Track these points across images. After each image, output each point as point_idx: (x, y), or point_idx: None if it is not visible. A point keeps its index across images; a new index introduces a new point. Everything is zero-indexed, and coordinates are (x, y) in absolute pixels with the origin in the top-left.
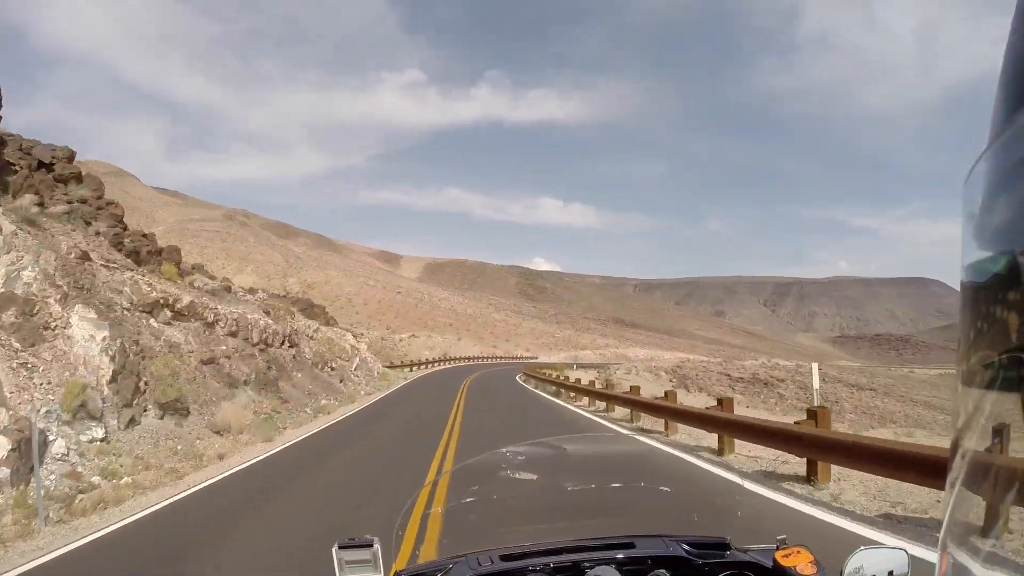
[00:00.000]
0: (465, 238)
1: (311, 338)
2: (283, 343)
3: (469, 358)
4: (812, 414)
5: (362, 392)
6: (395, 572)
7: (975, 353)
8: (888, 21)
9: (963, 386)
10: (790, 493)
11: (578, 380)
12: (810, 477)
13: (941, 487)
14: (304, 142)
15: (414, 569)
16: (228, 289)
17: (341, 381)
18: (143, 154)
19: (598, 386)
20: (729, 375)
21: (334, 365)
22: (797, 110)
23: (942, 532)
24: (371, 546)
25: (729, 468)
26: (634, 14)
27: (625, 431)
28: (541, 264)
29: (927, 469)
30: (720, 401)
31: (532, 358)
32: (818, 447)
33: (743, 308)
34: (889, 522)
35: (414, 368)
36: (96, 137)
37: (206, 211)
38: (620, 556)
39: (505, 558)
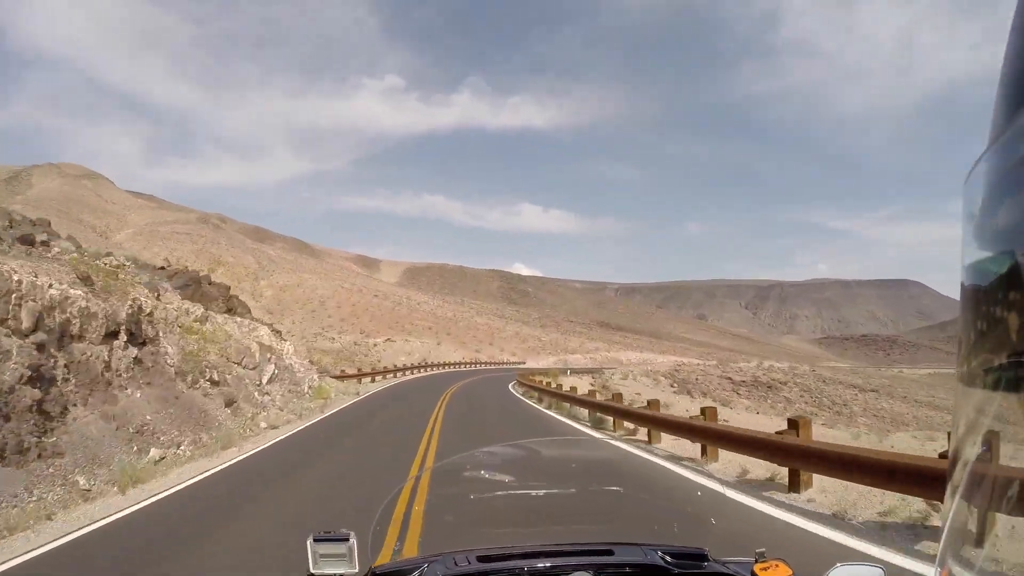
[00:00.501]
0: (445, 244)
1: (188, 331)
2: (117, 335)
3: (451, 364)
4: (793, 423)
5: (262, 424)
6: (372, 568)
7: (975, 355)
8: (866, 26)
9: (963, 387)
10: (772, 501)
11: (574, 388)
12: (792, 485)
13: (923, 495)
14: (284, 147)
15: (391, 566)
16: (29, 240)
17: (229, 405)
18: (121, 158)
19: (600, 398)
20: (731, 379)
21: (222, 377)
22: (775, 114)
23: (941, 546)
24: (347, 540)
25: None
26: (612, 19)
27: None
28: (521, 270)
29: (909, 477)
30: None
31: (519, 363)
32: (800, 456)
33: (724, 311)
34: (873, 531)
35: (385, 376)
36: (72, 140)
37: (180, 215)
38: (598, 563)
39: (483, 559)
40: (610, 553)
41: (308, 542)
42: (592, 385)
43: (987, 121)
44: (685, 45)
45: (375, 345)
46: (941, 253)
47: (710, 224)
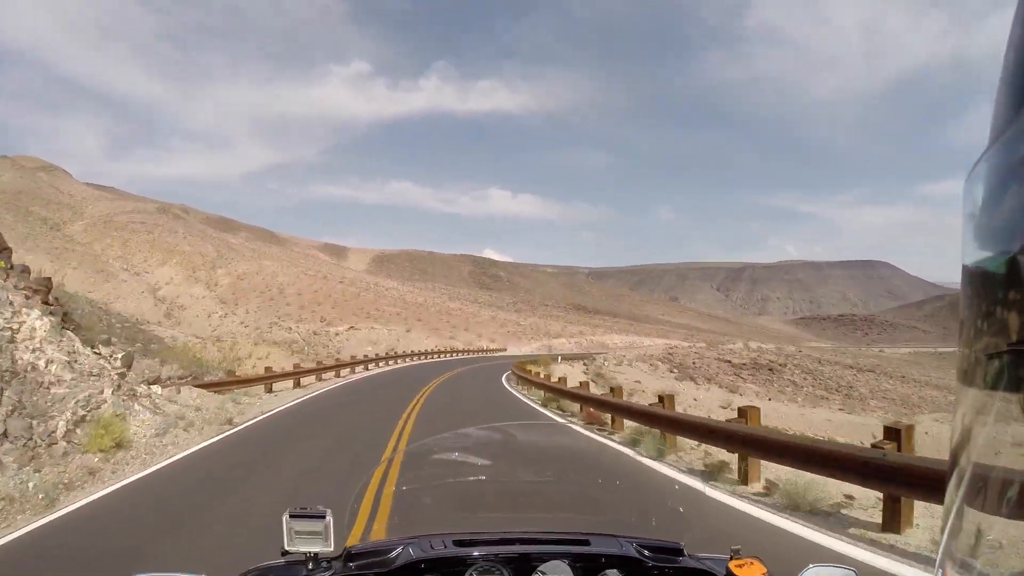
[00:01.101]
0: (415, 231)
1: None
2: None
3: (422, 354)
4: (742, 412)
5: None
6: (346, 548)
7: (976, 354)
8: (833, 14)
9: (963, 387)
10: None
11: (563, 379)
12: (741, 473)
13: (862, 484)
14: (250, 137)
15: (365, 546)
16: None
17: None
18: (83, 152)
19: (597, 390)
20: (730, 362)
21: None
22: (744, 100)
23: (940, 550)
24: (323, 517)
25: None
26: (582, 5)
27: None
28: (492, 255)
29: (853, 466)
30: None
31: (499, 350)
32: (752, 444)
33: (697, 294)
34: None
35: (339, 373)
36: (36, 135)
37: (139, 205)
38: (574, 552)
39: (458, 543)
40: (586, 543)
41: (284, 518)
42: (585, 373)
43: (952, 105)
44: (656, 32)
45: (336, 334)
46: (907, 235)
47: (680, 209)
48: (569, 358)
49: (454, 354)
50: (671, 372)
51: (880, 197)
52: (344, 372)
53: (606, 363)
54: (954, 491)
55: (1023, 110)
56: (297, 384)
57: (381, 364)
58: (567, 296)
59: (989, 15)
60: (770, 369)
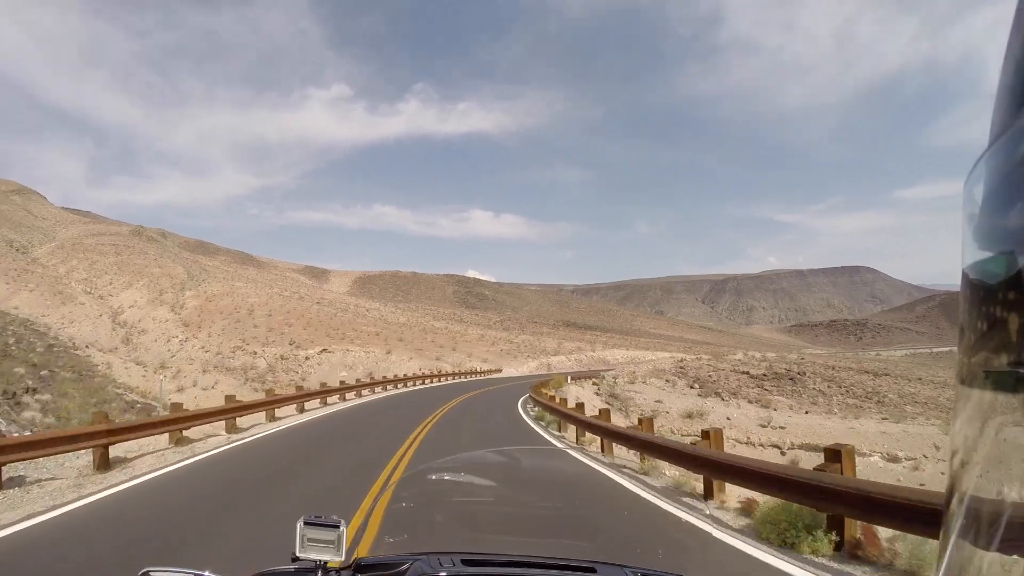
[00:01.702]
0: (398, 254)
1: None
2: None
3: (407, 379)
4: (706, 434)
5: None
6: (357, 559)
7: (976, 355)
8: (806, 22)
9: (963, 388)
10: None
11: (581, 404)
12: (706, 494)
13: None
14: (231, 163)
15: (375, 559)
16: None
17: None
18: (61, 177)
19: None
20: (748, 373)
21: None
22: (719, 112)
23: None
24: (337, 527)
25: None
26: (555, 24)
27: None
28: (476, 276)
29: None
30: None
31: (494, 371)
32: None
33: (683, 307)
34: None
35: (302, 407)
36: (14, 160)
37: (112, 228)
38: None
39: (467, 563)
40: (593, 571)
41: (298, 524)
42: (598, 394)
43: (924, 110)
44: (630, 48)
45: (307, 358)
46: (887, 240)
47: (661, 223)
48: (577, 377)
49: (442, 378)
50: (691, 388)
51: (855, 204)
52: (328, 401)
53: (617, 381)
54: (951, 519)
55: (1022, 111)
56: (232, 428)
57: (357, 396)
58: (555, 313)
59: (956, 22)
60: (791, 379)
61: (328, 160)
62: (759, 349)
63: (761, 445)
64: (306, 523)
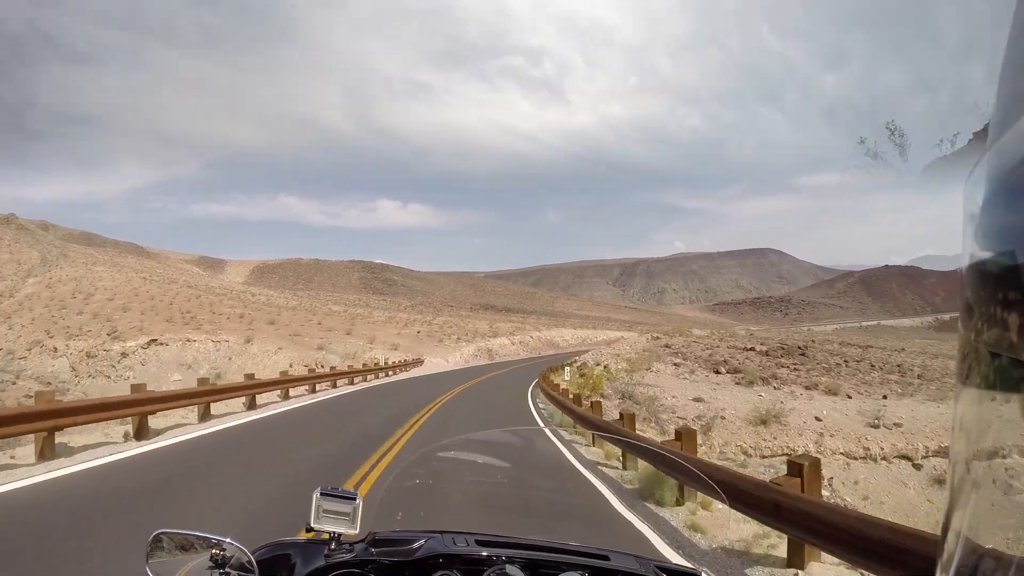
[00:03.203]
0: (303, 244)
1: None
2: None
3: (234, 389)
4: (678, 435)
5: None
6: (372, 532)
7: (976, 355)
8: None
9: (963, 388)
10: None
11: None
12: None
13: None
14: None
15: (390, 534)
16: None
17: None
18: None
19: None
20: (754, 349)
21: None
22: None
23: None
24: (354, 500)
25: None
26: None
27: None
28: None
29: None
30: None
31: (411, 364)
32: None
33: (595, 290)
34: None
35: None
36: None
37: None
38: (593, 565)
39: (479, 543)
40: (606, 558)
41: (315, 494)
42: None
43: (817, 103)
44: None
45: (124, 355)
46: (791, 222)
47: (569, 211)
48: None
49: (319, 382)
50: (716, 373)
51: (759, 189)
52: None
53: (609, 370)
54: (953, 541)
55: (1022, 112)
56: None
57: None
58: (471, 296)
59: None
60: (801, 353)
61: (230, 152)
62: (706, 327)
63: (885, 459)
64: (323, 494)
